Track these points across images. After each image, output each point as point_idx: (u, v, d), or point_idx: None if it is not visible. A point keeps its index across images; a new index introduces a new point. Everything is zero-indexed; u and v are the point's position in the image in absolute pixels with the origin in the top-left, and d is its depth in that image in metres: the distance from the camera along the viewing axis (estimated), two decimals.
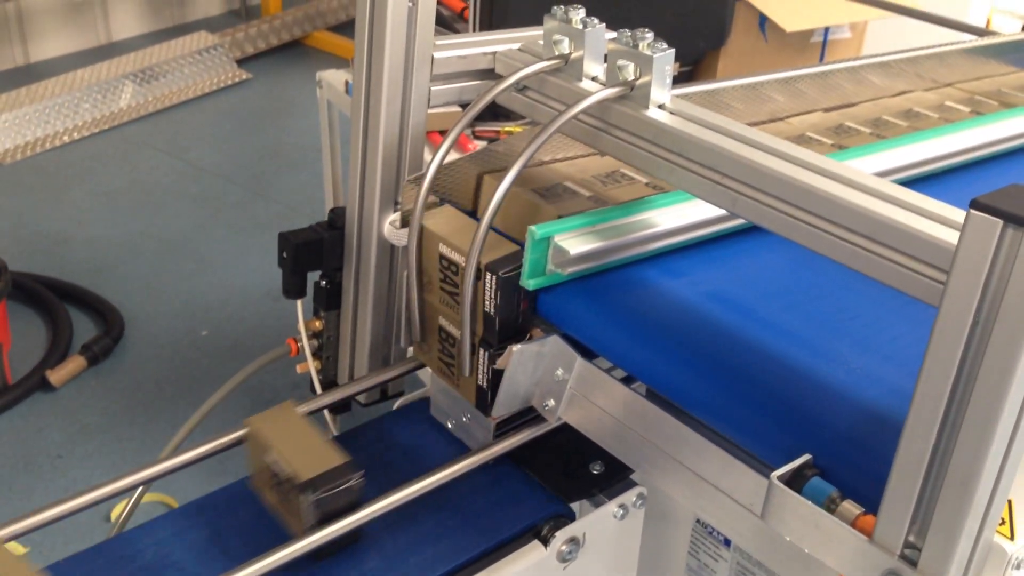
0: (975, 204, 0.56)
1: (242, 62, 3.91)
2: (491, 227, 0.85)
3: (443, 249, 0.90)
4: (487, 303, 0.87)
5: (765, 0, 2.38)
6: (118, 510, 1.76)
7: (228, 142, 3.36)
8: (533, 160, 1.03)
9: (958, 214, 0.65)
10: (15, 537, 0.82)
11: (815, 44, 2.51)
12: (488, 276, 0.85)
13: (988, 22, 3.33)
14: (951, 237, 0.62)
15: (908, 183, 0.88)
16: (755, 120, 1.13)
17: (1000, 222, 0.55)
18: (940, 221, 0.65)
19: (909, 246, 0.65)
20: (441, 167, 0.90)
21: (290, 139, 3.39)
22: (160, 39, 3.89)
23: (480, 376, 0.90)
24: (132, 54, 3.66)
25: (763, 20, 2.38)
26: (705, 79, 1.17)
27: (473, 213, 0.97)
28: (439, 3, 2.30)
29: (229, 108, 3.62)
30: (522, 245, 0.86)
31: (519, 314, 0.88)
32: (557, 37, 0.90)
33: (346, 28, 4.30)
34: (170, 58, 3.67)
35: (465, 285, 0.86)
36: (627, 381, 0.86)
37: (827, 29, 2.50)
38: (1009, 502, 0.69)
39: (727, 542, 0.95)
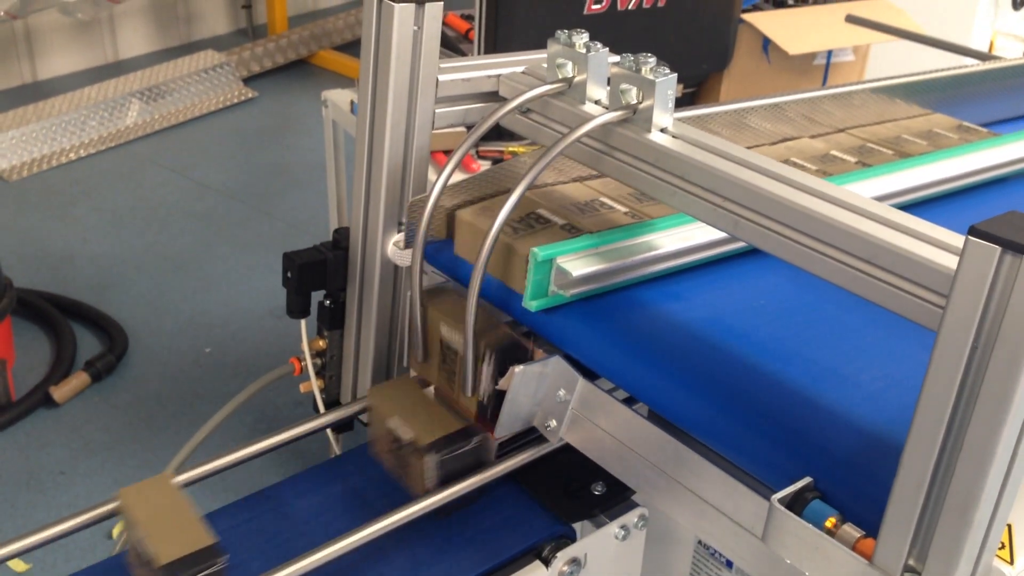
0: (973, 231, 0.56)
1: (248, 81, 3.94)
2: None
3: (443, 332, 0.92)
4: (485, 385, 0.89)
5: (769, 23, 2.39)
6: (119, 527, 1.76)
7: (234, 160, 3.37)
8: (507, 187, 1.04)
9: (957, 239, 0.65)
10: (18, 554, 0.83)
11: (818, 67, 2.52)
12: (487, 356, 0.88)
13: (991, 45, 3.33)
14: (950, 262, 0.63)
15: (906, 207, 0.89)
16: None
17: (998, 248, 0.55)
18: (939, 246, 0.66)
19: (908, 270, 0.66)
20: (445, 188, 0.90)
21: (295, 158, 3.40)
22: (167, 57, 3.91)
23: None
24: (139, 72, 3.69)
25: (766, 43, 2.39)
26: (708, 101, 1.17)
27: (449, 242, 0.98)
28: (445, 24, 2.31)
29: (235, 126, 3.63)
30: (498, 293, 0.89)
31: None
32: (560, 61, 0.91)
33: (352, 48, 4.33)
34: (177, 76, 3.70)
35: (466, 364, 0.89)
36: (629, 402, 0.86)
37: (830, 52, 2.51)
38: (1009, 526, 0.69)
39: (729, 564, 0.95)
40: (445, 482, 0.90)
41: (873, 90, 1.22)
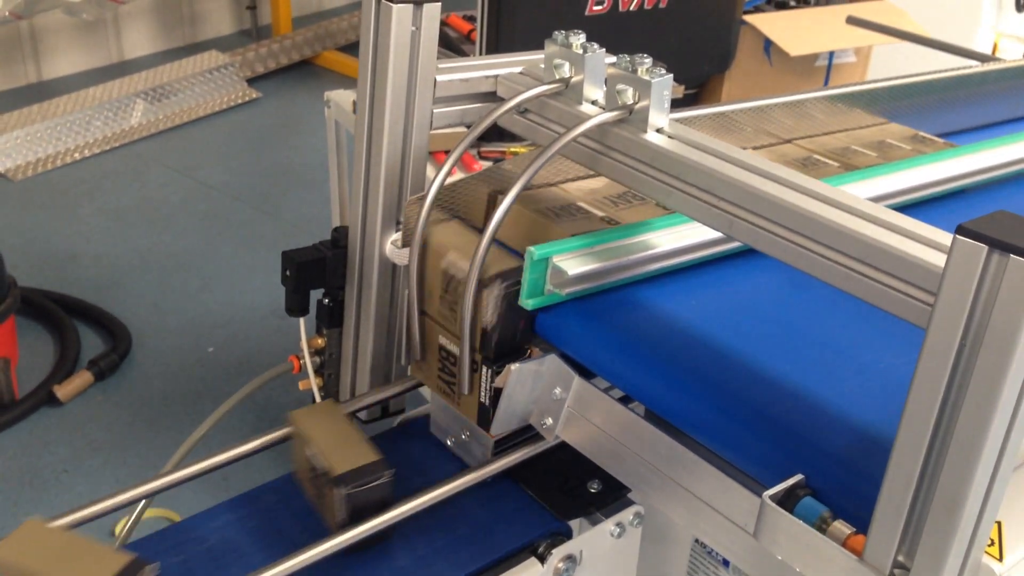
0: (961, 230, 0.57)
1: (252, 81, 3.95)
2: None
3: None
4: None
5: (770, 25, 2.39)
6: (121, 524, 1.77)
7: (237, 160, 3.38)
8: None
9: (946, 238, 0.66)
10: None
11: (820, 68, 2.52)
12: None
13: (995, 47, 3.33)
14: (939, 260, 0.63)
15: (902, 208, 0.89)
16: None
17: (985, 247, 0.56)
18: (928, 244, 0.66)
19: (898, 268, 0.66)
20: (444, 187, 0.91)
21: (298, 158, 3.41)
22: (171, 58, 3.92)
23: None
24: (143, 72, 3.70)
25: (768, 44, 2.40)
26: (710, 102, 1.16)
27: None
28: (447, 25, 2.32)
29: (239, 127, 3.64)
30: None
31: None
32: (558, 61, 0.91)
33: (355, 48, 4.31)
34: (181, 77, 3.71)
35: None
36: (624, 401, 0.86)
37: (832, 53, 2.51)
38: (998, 523, 0.70)
39: (726, 563, 0.95)
40: (354, 518, 0.85)
41: (829, 97, 1.17)
